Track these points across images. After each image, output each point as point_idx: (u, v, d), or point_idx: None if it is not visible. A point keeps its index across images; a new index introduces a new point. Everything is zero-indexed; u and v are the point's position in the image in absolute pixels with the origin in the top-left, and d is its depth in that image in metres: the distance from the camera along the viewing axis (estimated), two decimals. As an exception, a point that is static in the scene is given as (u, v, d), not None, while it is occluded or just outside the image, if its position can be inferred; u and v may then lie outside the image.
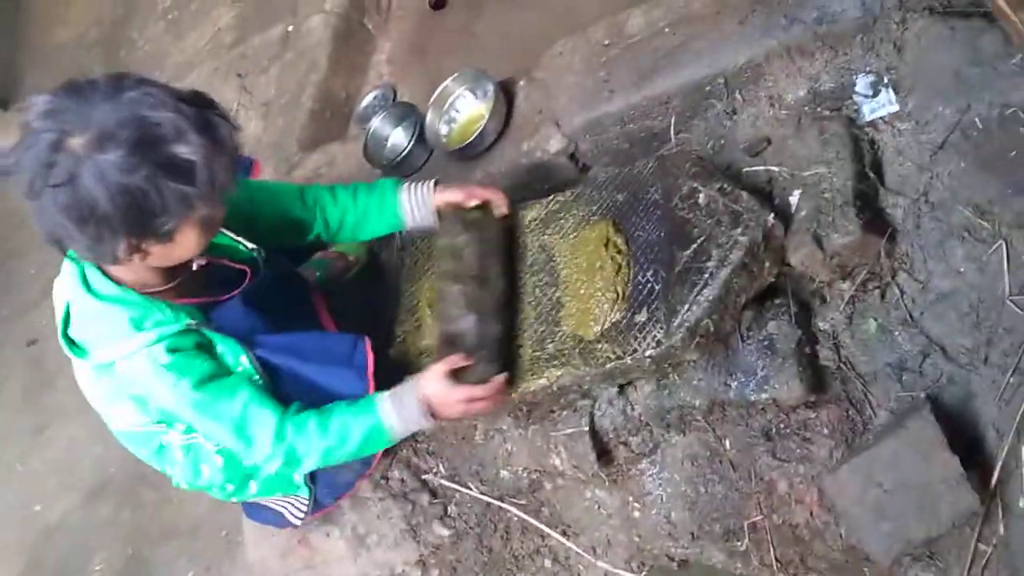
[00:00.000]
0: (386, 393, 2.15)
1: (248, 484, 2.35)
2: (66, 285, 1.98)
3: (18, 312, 4.79)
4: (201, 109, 1.76)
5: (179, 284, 2.05)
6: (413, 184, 2.42)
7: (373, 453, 2.30)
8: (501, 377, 2.16)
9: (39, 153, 1.67)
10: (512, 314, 2.32)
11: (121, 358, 1.94)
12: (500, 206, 2.41)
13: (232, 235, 2.18)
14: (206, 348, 2.04)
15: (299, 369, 2.17)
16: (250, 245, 2.21)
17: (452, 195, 2.38)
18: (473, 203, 2.38)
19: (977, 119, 2.00)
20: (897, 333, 2.03)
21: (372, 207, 2.43)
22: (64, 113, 1.69)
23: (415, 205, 2.40)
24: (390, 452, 2.58)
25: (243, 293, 2.17)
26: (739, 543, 2.21)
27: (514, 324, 2.31)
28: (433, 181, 2.41)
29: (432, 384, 2.12)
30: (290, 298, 2.42)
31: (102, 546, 3.58)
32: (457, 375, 2.14)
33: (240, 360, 2.07)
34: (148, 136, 1.68)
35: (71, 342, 1.99)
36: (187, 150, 1.70)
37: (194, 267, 2.03)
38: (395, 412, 2.13)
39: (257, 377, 2.10)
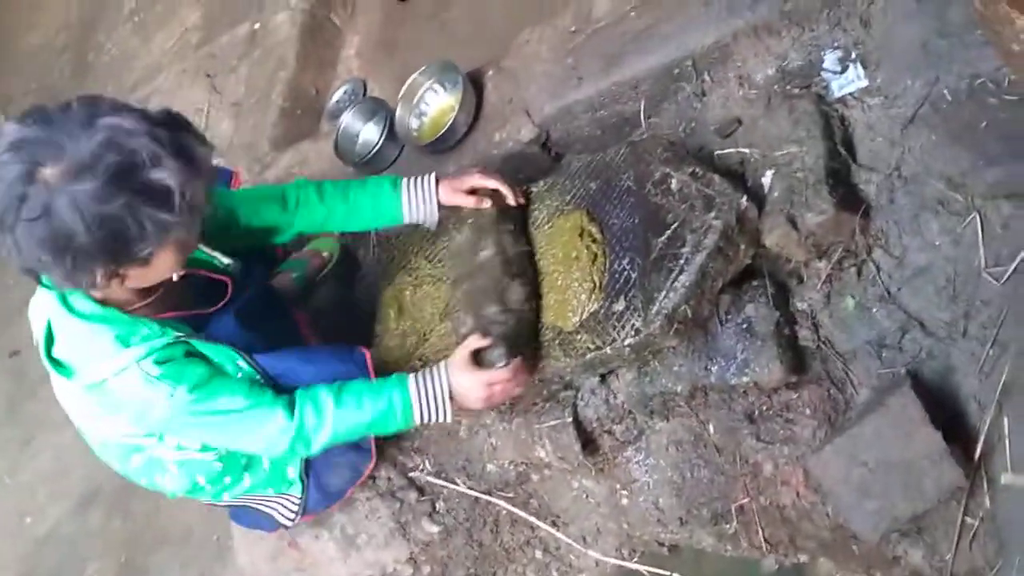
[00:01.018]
0: (414, 375, 2.14)
1: (242, 479, 2.33)
2: (45, 306, 1.95)
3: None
4: (175, 132, 1.74)
5: (160, 298, 2.03)
6: (415, 179, 2.39)
7: (384, 433, 2.26)
8: (517, 360, 2.12)
9: (10, 186, 1.64)
10: (535, 298, 2.27)
11: (112, 375, 1.91)
12: (506, 196, 2.38)
13: (207, 250, 2.15)
14: (196, 356, 2.02)
15: (299, 368, 2.16)
16: (225, 260, 2.19)
17: (456, 194, 2.35)
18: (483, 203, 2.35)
19: (946, 91, 1.99)
20: (875, 310, 2.02)
21: (366, 202, 2.38)
22: (34, 144, 1.65)
23: (418, 199, 2.37)
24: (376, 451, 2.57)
25: (236, 311, 2.17)
26: (728, 526, 2.22)
27: (537, 309, 2.26)
28: (434, 176, 2.39)
29: (456, 370, 2.11)
30: (275, 312, 2.41)
31: (94, 555, 3.57)
32: (477, 359, 2.12)
33: (237, 364, 2.06)
34: (124, 164, 1.65)
35: (55, 363, 1.96)
36: (164, 175, 1.68)
37: (174, 278, 2.01)
38: (418, 391, 2.11)
39: (258, 377, 2.10)
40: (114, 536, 3.55)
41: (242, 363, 2.07)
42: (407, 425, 2.16)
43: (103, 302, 1.92)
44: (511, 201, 2.38)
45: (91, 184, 1.63)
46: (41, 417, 4.13)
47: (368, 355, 2.24)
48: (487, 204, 2.34)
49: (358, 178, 2.90)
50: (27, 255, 1.69)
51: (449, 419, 2.15)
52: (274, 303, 2.48)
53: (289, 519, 2.49)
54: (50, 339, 1.95)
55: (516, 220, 2.37)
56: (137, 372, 1.91)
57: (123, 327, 1.92)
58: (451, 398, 2.12)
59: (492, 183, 2.37)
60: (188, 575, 3.20)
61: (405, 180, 2.38)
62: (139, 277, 1.84)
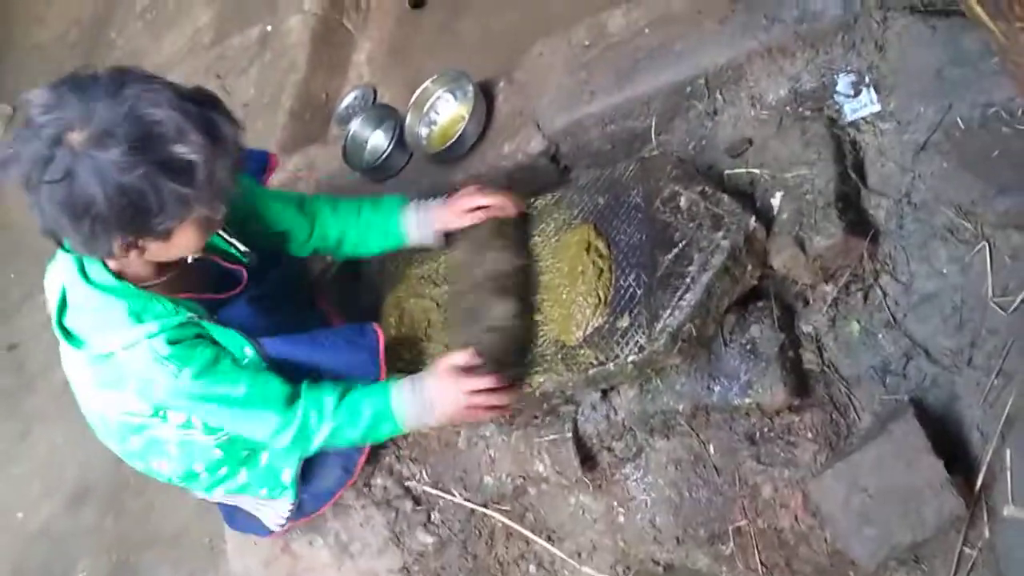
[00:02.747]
0: (405, 379, 2.15)
1: (238, 473, 2.33)
2: (63, 273, 1.96)
3: (-3, 316, 4.76)
4: (203, 107, 1.74)
5: (175, 278, 2.04)
6: (420, 202, 2.41)
7: (380, 440, 2.27)
8: (499, 376, 2.12)
9: (38, 146, 1.66)
10: (528, 314, 2.27)
11: (122, 348, 1.92)
12: (506, 208, 2.38)
13: (226, 237, 2.16)
14: (207, 339, 2.02)
15: (308, 357, 2.16)
16: (243, 248, 2.20)
17: (454, 217, 2.37)
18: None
19: (959, 119, 1.99)
20: (880, 335, 2.02)
21: (376, 223, 2.41)
22: (65, 108, 1.67)
23: (419, 223, 2.39)
24: (373, 459, 2.56)
25: (249, 296, 2.17)
26: (724, 547, 2.20)
27: (531, 328, 2.26)
28: (435, 201, 2.40)
29: (437, 378, 2.12)
30: (298, 301, 2.41)
31: (85, 553, 3.56)
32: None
33: (244, 352, 2.05)
34: (148, 134, 1.66)
35: (66, 332, 1.97)
36: (187, 150, 1.68)
37: (189, 260, 2.01)
38: (409, 399, 2.12)
39: (264, 365, 2.09)
40: (106, 534, 3.55)
41: (248, 350, 2.06)
42: (397, 432, 2.19)
43: (119, 274, 1.93)
44: (510, 212, 2.38)
45: (114, 152, 1.64)
46: (38, 411, 4.13)
47: (380, 336, 2.23)
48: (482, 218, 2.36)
49: (365, 185, 2.92)
50: (48, 217, 1.71)
51: (434, 423, 2.17)
52: (295, 292, 2.48)
53: (279, 524, 2.49)
54: (63, 307, 1.97)
55: (513, 234, 2.37)
56: (147, 348, 1.91)
57: (137, 302, 1.93)
58: (433, 405, 2.13)
59: (486, 200, 2.37)
60: (179, 576, 3.19)
61: (412, 202, 2.41)
62: (158, 251, 1.85)
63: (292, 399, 2.08)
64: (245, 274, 2.21)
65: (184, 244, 1.86)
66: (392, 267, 2.64)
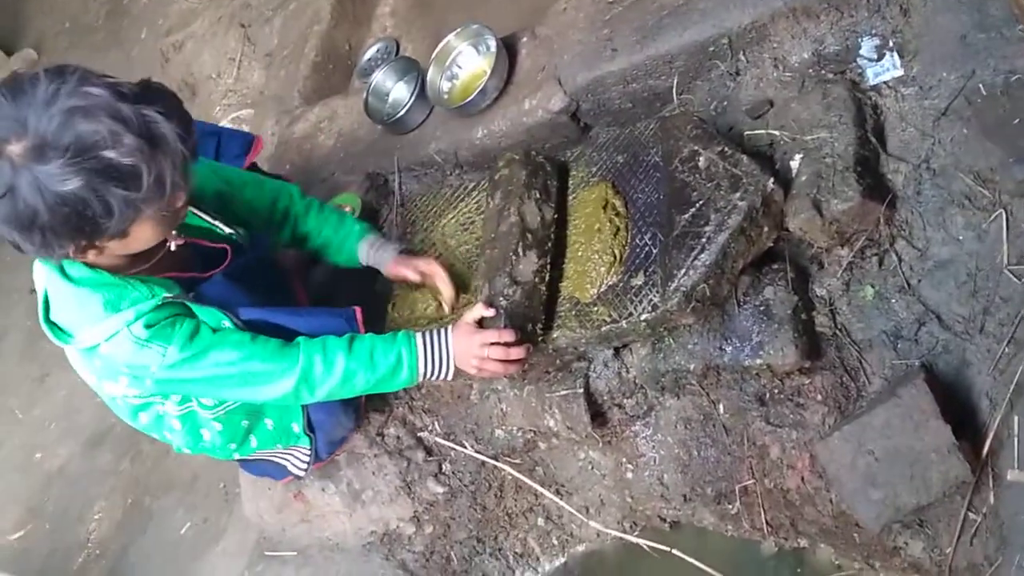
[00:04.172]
0: (417, 332, 2.16)
1: (249, 440, 2.36)
2: (43, 270, 1.96)
3: (20, 261, 4.73)
4: (142, 108, 1.68)
5: (158, 262, 2.03)
6: (378, 243, 2.48)
7: (392, 389, 2.25)
8: (516, 330, 2.12)
9: None
10: (551, 271, 2.28)
11: (104, 340, 1.92)
12: (445, 296, 2.42)
13: (207, 218, 2.17)
14: (185, 315, 2.02)
15: (287, 323, 2.16)
16: (227, 229, 2.21)
17: (405, 273, 2.43)
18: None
19: (981, 85, 1.98)
20: (894, 300, 2.02)
21: (333, 245, 2.50)
22: (3, 118, 1.64)
23: (372, 261, 2.48)
24: (386, 409, 2.59)
25: (226, 272, 2.17)
26: (730, 506, 2.22)
27: (552, 279, 2.27)
28: (395, 250, 2.46)
29: (458, 330, 2.13)
30: (271, 280, 2.41)
31: (101, 495, 3.62)
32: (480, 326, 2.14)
33: (222, 324, 2.05)
34: (84, 144, 1.62)
35: (52, 326, 1.97)
36: (126, 155, 1.65)
37: (172, 247, 2.01)
38: (424, 348, 2.12)
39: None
40: (122, 477, 3.60)
41: (226, 322, 2.06)
42: (411, 382, 2.17)
43: (95, 266, 1.91)
44: (446, 307, 2.42)
45: (51, 164, 1.61)
46: (58, 355, 4.10)
47: (359, 311, 2.25)
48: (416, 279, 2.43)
49: (386, 137, 2.92)
50: (1, 228, 1.69)
51: (451, 376, 2.16)
52: (271, 270, 2.48)
53: (301, 469, 2.52)
54: (47, 304, 1.96)
55: (546, 187, 2.36)
56: (128, 335, 1.91)
57: (111, 291, 1.92)
58: (454, 360, 2.14)
59: (436, 278, 2.41)
60: (193, 520, 3.23)
61: (370, 239, 2.48)
62: (119, 248, 1.84)
63: (287, 347, 2.08)
64: (230, 252, 2.21)
65: (144, 238, 1.84)
66: (410, 219, 2.66)
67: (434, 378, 2.16)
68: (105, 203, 1.66)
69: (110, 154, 1.64)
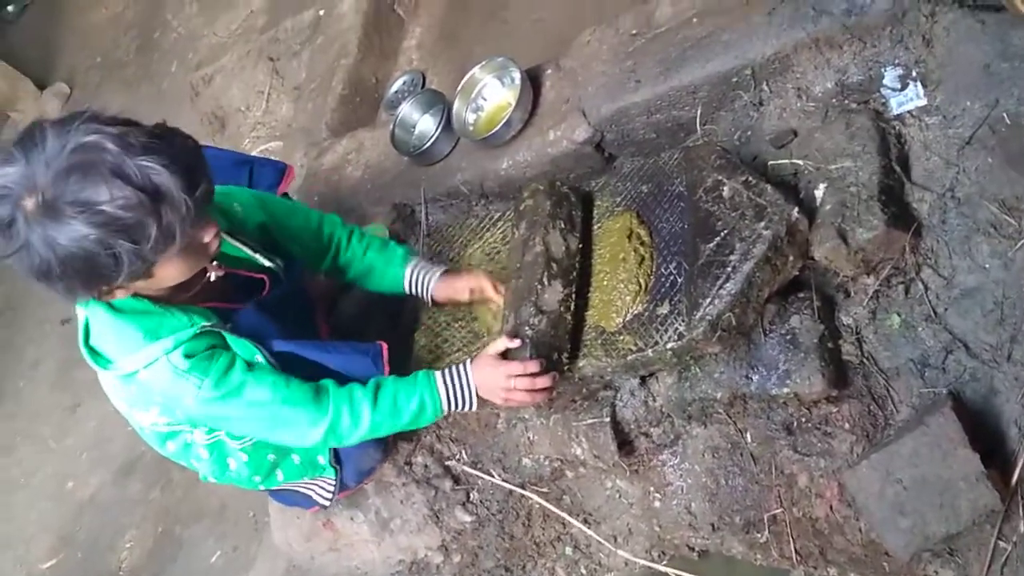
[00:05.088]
0: (437, 371, 2.18)
1: (275, 474, 2.38)
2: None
3: (51, 293, 4.84)
4: (145, 159, 1.68)
5: (198, 291, 2.06)
6: (421, 267, 2.50)
7: (415, 428, 2.28)
8: (542, 360, 2.13)
9: (1, 216, 1.67)
10: (576, 300, 2.29)
11: (143, 367, 1.95)
12: (495, 307, 2.45)
13: (248, 250, 2.20)
14: (222, 347, 2.04)
15: (316, 358, 2.18)
16: (266, 263, 2.23)
17: (455, 295, 2.47)
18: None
19: (1005, 114, 1.99)
20: (920, 329, 2.02)
21: (377, 269, 2.52)
22: (16, 174, 1.66)
23: (415, 287, 2.50)
24: (414, 438, 2.60)
25: (258, 302, 2.19)
26: (759, 535, 2.22)
27: (578, 308, 2.28)
28: (440, 272, 2.49)
29: (480, 363, 2.15)
30: (300, 312, 2.43)
31: (132, 523, 3.65)
32: (505, 357, 2.16)
33: (255, 359, 2.08)
34: (86, 200, 1.64)
35: (92, 352, 2.00)
36: (127, 209, 1.66)
37: (212, 278, 2.05)
38: (445, 386, 2.15)
39: (275, 369, 2.11)
40: (152, 506, 3.63)
41: (259, 357, 2.08)
42: (436, 418, 2.21)
43: (138, 294, 1.93)
44: (490, 296, 2.45)
45: (59, 220, 1.64)
46: (90, 384, 4.16)
47: (385, 349, 2.26)
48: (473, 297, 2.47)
49: (412, 169, 2.95)
50: (26, 276, 1.73)
51: (474, 409, 2.19)
52: (300, 302, 2.49)
53: (326, 499, 2.54)
54: (87, 330, 1.99)
55: (571, 216, 2.38)
56: (166, 364, 1.94)
57: (152, 320, 1.95)
58: (476, 391, 2.16)
59: (486, 292, 2.45)
60: (223, 549, 3.25)
61: (413, 263, 2.50)
62: (148, 286, 1.87)
63: (319, 395, 2.11)
64: (268, 283, 2.25)
65: (171, 276, 1.86)
66: (436, 248, 2.68)
67: (457, 410, 2.19)
68: (114, 255, 1.68)
69: (111, 209, 1.65)
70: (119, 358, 1.96)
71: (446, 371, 2.17)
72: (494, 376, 2.12)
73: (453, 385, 2.16)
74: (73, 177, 1.64)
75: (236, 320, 2.11)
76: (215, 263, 2.04)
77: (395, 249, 2.53)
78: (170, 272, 1.85)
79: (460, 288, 2.46)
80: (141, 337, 1.93)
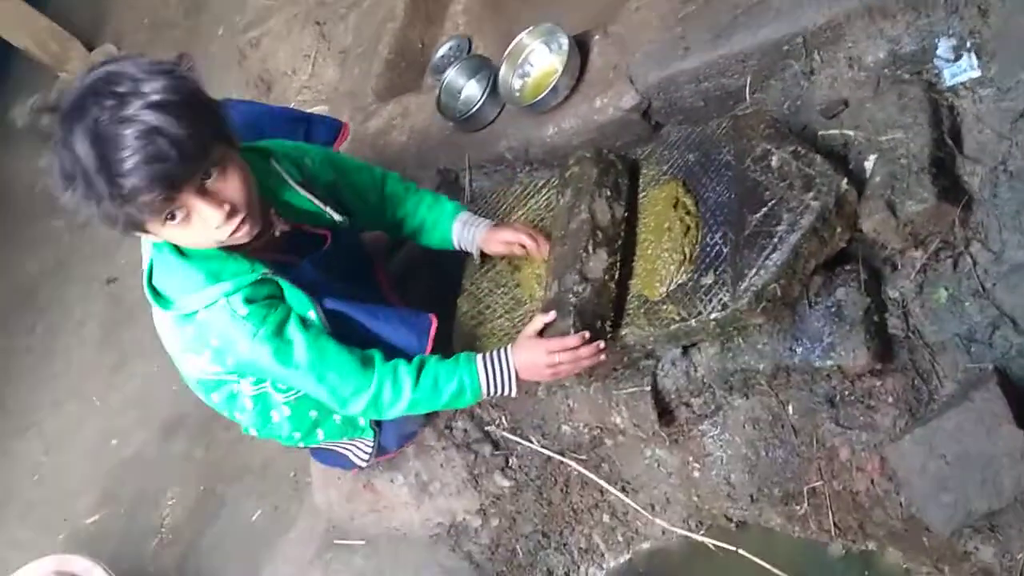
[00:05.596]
0: (478, 353, 2.19)
1: (315, 432, 2.40)
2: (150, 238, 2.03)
3: (99, 251, 4.92)
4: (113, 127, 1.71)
5: (265, 244, 2.10)
6: (470, 220, 2.50)
7: (454, 408, 2.31)
8: (583, 333, 2.11)
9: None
10: (620, 268, 2.28)
11: (203, 307, 1.99)
12: (533, 253, 2.44)
13: (319, 202, 2.23)
14: (280, 299, 2.07)
15: (363, 323, 2.19)
16: (337, 217, 2.26)
17: (498, 248, 2.47)
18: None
19: (1062, 87, 1.96)
20: (968, 303, 2.00)
21: (428, 222, 2.52)
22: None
23: (464, 241, 2.50)
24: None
25: (312, 258, 2.21)
26: (798, 507, 2.22)
27: (622, 277, 2.27)
28: (487, 225, 2.48)
29: (520, 346, 2.16)
30: (357, 267, 2.46)
31: (175, 481, 3.70)
32: (545, 333, 2.16)
33: (308, 314, 2.09)
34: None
35: (155, 292, 2.03)
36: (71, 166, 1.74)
37: (276, 233, 2.08)
38: (485, 371, 2.16)
39: (326, 330, 2.12)
40: (195, 464, 3.67)
41: (312, 313, 2.10)
42: (476, 401, 2.24)
43: None
44: (534, 254, 2.43)
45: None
46: (135, 343, 4.28)
47: (434, 322, 2.26)
48: (521, 254, 2.46)
49: (458, 134, 2.95)
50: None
51: (514, 394, 2.20)
52: (359, 257, 2.54)
53: (363, 460, 2.56)
54: (151, 270, 2.04)
55: (616, 184, 2.36)
56: (225, 306, 1.98)
57: (214, 263, 1.99)
58: (517, 375, 2.16)
59: (527, 241, 2.43)
60: (264, 508, 3.29)
61: (462, 216, 2.50)
62: (183, 231, 1.88)
63: (365, 365, 2.12)
64: (330, 237, 2.27)
65: (181, 239, 1.93)
66: (481, 214, 2.68)
67: (497, 395, 2.20)
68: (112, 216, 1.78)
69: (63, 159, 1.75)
70: (180, 298, 2.00)
71: (487, 355, 2.18)
72: (535, 355, 2.13)
73: (493, 369, 2.16)
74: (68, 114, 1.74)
75: (293, 274, 2.12)
76: (281, 218, 2.09)
77: (445, 204, 2.53)
78: (177, 237, 1.91)
79: (503, 239, 2.45)
80: (203, 279, 1.97)
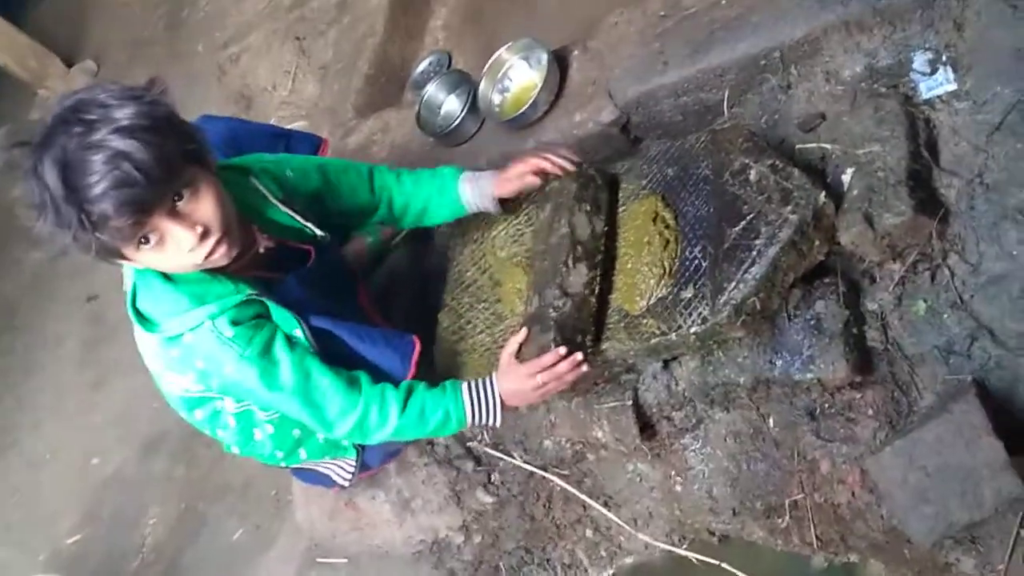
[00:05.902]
0: (464, 382, 2.19)
1: (298, 451, 2.40)
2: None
3: (79, 269, 4.89)
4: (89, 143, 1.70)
5: (247, 262, 2.09)
6: (474, 177, 2.44)
7: (437, 436, 2.31)
8: (558, 350, 2.09)
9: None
10: (601, 283, 2.26)
11: (188, 330, 1.97)
12: (563, 166, 2.40)
13: (299, 218, 2.21)
14: (266, 318, 2.06)
15: (347, 342, 2.19)
16: (318, 232, 2.25)
17: (512, 186, 2.42)
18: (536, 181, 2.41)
19: (1036, 100, 1.97)
20: (946, 315, 2.00)
21: (433, 195, 2.46)
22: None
23: (475, 198, 2.43)
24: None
25: (297, 274, 2.20)
26: (780, 520, 2.22)
27: (603, 291, 2.26)
28: (493, 172, 2.44)
29: (503, 374, 2.16)
30: (340, 283, 2.44)
31: (156, 500, 3.68)
32: (523, 353, 2.15)
33: (295, 333, 2.09)
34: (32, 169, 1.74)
35: (138, 314, 2.02)
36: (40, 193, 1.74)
37: (261, 250, 2.07)
38: (471, 402, 2.16)
39: (312, 349, 2.12)
40: (176, 483, 3.65)
41: (299, 331, 2.09)
42: (460, 429, 2.24)
43: None
44: (559, 171, 2.39)
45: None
46: (115, 361, 4.25)
47: (417, 345, 2.26)
48: (539, 181, 2.41)
49: (438, 150, 2.95)
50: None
51: (499, 424, 2.21)
52: (342, 273, 2.52)
53: (346, 480, 2.55)
54: (135, 293, 2.02)
55: (596, 199, 2.36)
56: (212, 328, 1.97)
57: (198, 286, 1.98)
58: (503, 404, 2.17)
59: (541, 163, 2.39)
60: (245, 527, 3.27)
61: (466, 174, 2.44)
62: (156, 255, 1.85)
63: (352, 388, 2.12)
64: (313, 253, 2.26)
65: (154, 263, 1.89)
66: (460, 231, 2.68)
67: (482, 424, 2.20)
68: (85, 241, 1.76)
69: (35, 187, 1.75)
70: (165, 320, 1.99)
71: (472, 384, 2.18)
72: (518, 383, 2.13)
73: (477, 398, 2.17)
74: (38, 145, 1.73)
75: (278, 291, 2.12)
76: (264, 234, 2.09)
77: (442, 172, 2.48)
78: (153, 261, 1.88)
79: (517, 173, 2.41)
80: (188, 301, 1.96)
